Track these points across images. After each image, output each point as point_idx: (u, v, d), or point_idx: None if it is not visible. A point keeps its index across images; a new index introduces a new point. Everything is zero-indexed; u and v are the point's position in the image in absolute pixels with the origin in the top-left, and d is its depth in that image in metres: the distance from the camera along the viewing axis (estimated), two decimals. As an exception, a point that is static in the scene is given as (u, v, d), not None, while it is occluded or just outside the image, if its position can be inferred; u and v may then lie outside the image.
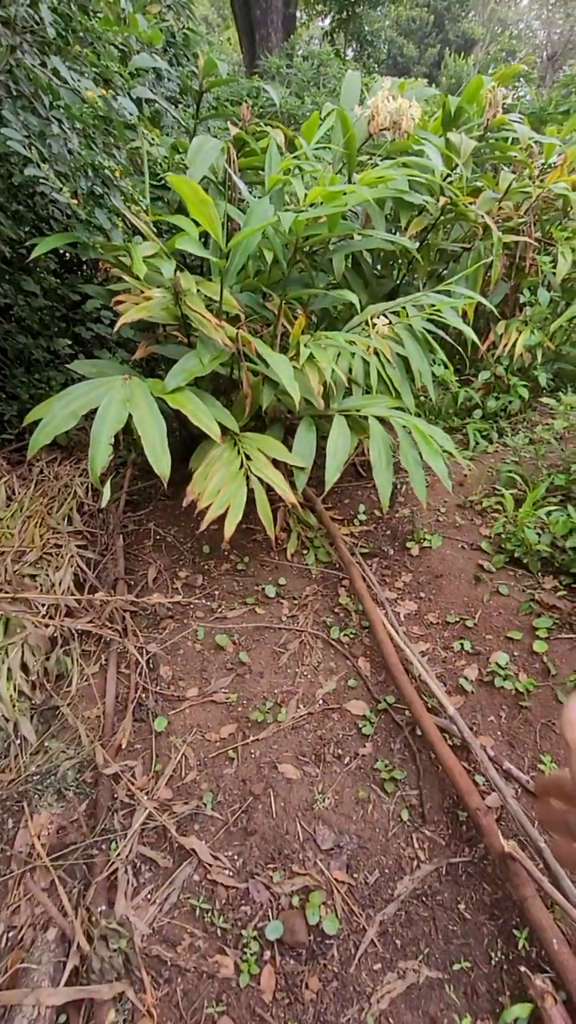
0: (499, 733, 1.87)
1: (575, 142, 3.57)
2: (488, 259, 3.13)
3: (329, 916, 1.46)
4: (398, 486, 3.01)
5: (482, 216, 3.06)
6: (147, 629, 2.32)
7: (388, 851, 1.61)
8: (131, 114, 1.97)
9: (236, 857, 1.60)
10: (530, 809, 1.63)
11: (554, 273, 3.28)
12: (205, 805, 1.72)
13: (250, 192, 2.90)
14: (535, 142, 3.33)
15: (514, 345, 3.33)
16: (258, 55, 8.09)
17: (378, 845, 1.62)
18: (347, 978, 1.36)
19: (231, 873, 1.57)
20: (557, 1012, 1.15)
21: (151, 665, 2.16)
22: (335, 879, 1.54)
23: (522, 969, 1.26)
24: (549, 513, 2.45)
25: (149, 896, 1.51)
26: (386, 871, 1.57)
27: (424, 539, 2.67)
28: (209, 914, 1.47)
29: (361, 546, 2.71)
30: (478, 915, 1.44)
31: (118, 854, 1.56)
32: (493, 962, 1.35)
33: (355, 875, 1.56)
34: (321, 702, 2.03)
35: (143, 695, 2.04)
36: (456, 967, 1.34)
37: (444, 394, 3.54)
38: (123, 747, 1.86)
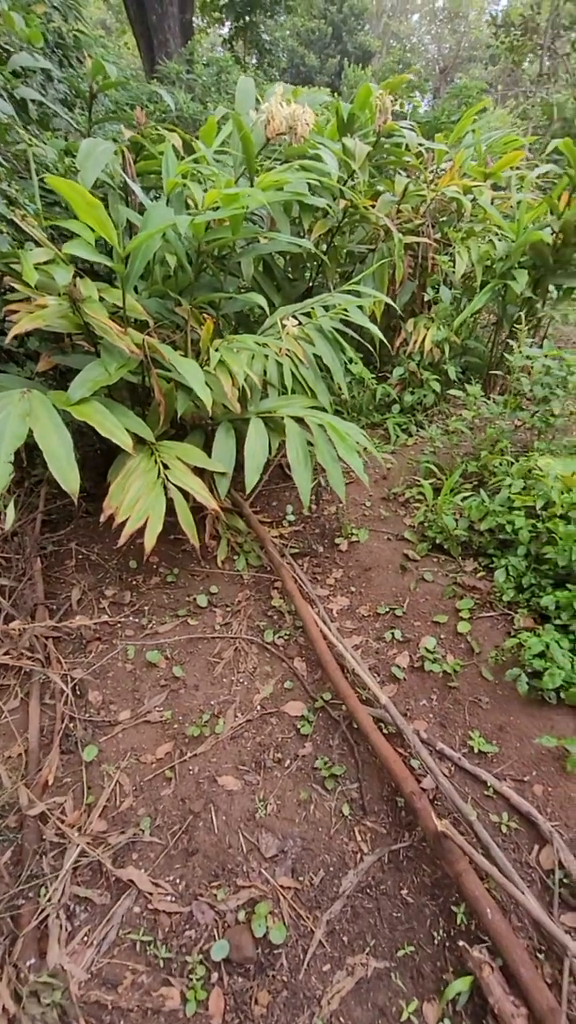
0: (431, 715, 1.93)
1: (464, 147, 3.77)
2: (391, 259, 3.24)
3: (276, 925, 1.43)
4: (323, 484, 3.04)
5: (383, 218, 3.17)
6: (72, 654, 2.20)
7: (332, 848, 1.61)
8: (4, 114, 1.87)
9: (178, 880, 1.55)
10: (463, 785, 1.69)
11: (454, 271, 3.45)
12: (143, 831, 1.64)
13: (150, 197, 2.84)
14: (425, 148, 3.50)
15: (423, 341, 3.46)
16: (157, 60, 7.98)
17: (322, 844, 1.62)
18: (297, 985, 1.34)
19: (173, 898, 1.51)
20: (494, 979, 1.19)
21: (78, 692, 2.05)
22: (280, 886, 1.52)
23: (461, 944, 1.30)
24: (465, 499, 2.56)
25: (86, 938, 1.42)
26: (331, 869, 1.56)
27: (352, 534, 2.72)
28: (151, 946, 1.41)
29: (291, 546, 2.72)
30: (420, 897, 1.47)
31: (48, 899, 1.46)
32: (436, 941, 1.38)
33: (300, 878, 1.55)
34: (259, 708, 2.01)
35: (70, 725, 1.93)
36: (401, 953, 1.36)
37: (363, 391, 3.63)
38: (50, 783, 1.75)
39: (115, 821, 1.68)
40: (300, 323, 2.59)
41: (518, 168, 4.13)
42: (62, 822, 1.65)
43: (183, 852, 1.61)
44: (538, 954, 1.30)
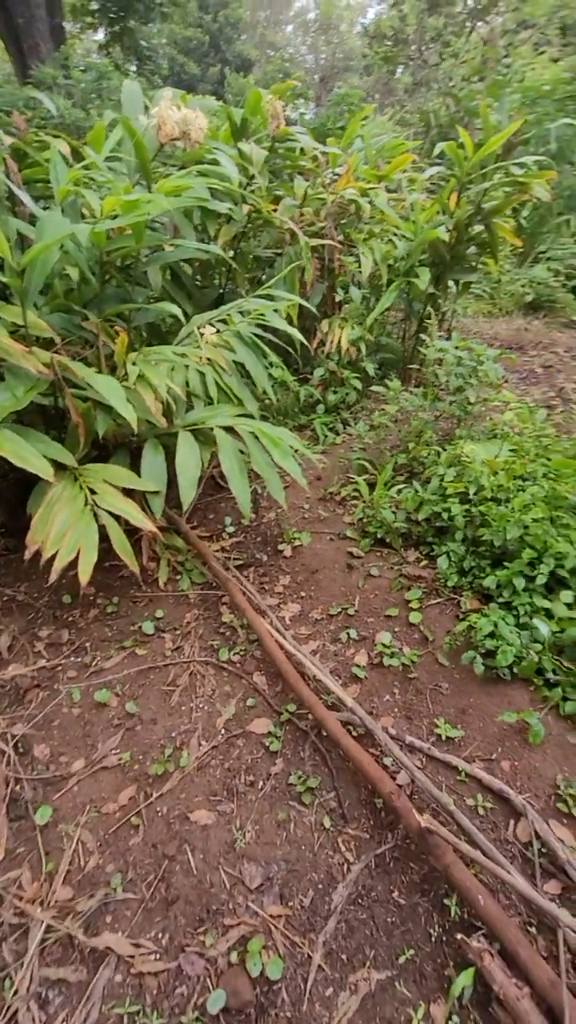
0: (396, 709, 1.94)
1: (355, 151, 3.88)
2: (300, 262, 3.26)
3: (272, 959, 1.37)
4: (259, 492, 3.00)
5: (287, 222, 3.18)
6: (9, 708, 2.00)
7: (318, 865, 1.56)
8: None
9: (160, 935, 1.43)
10: (436, 774, 1.70)
11: (360, 272, 3.53)
12: (114, 890, 1.51)
13: (40, 207, 2.65)
14: (320, 152, 3.56)
15: (339, 341, 3.52)
16: (29, 65, 7.58)
17: (307, 862, 1.57)
18: (301, 1018, 1.28)
19: (158, 955, 1.39)
20: (495, 966, 1.20)
21: (21, 749, 1.86)
22: (271, 916, 1.45)
23: (459, 936, 1.30)
24: (399, 492, 2.62)
25: (64, 1024, 1.28)
26: (319, 886, 1.52)
27: (294, 538, 2.70)
28: (140, 1016, 1.29)
29: (235, 558, 2.65)
30: (412, 896, 1.46)
31: (15, 992, 1.30)
32: (433, 939, 1.37)
33: (290, 903, 1.49)
34: (223, 731, 1.93)
35: (17, 787, 1.75)
36: (402, 959, 1.34)
37: (287, 394, 3.63)
38: (0, 858, 1.56)
39: (81, 885, 1.53)
40: (218, 330, 2.53)
41: (406, 171, 4.32)
42: (20, 899, 1.48)
43: (162, 902, 1.50)
44: (531, 928, 1.33)
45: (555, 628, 1.88)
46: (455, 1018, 1.23)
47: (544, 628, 1.86)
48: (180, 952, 1.40)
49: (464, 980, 1.23)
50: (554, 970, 1.17)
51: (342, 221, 3.84)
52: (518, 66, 8.78)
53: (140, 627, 2.28)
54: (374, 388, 3.29)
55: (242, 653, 2.20)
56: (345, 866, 1.55)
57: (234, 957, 1.38)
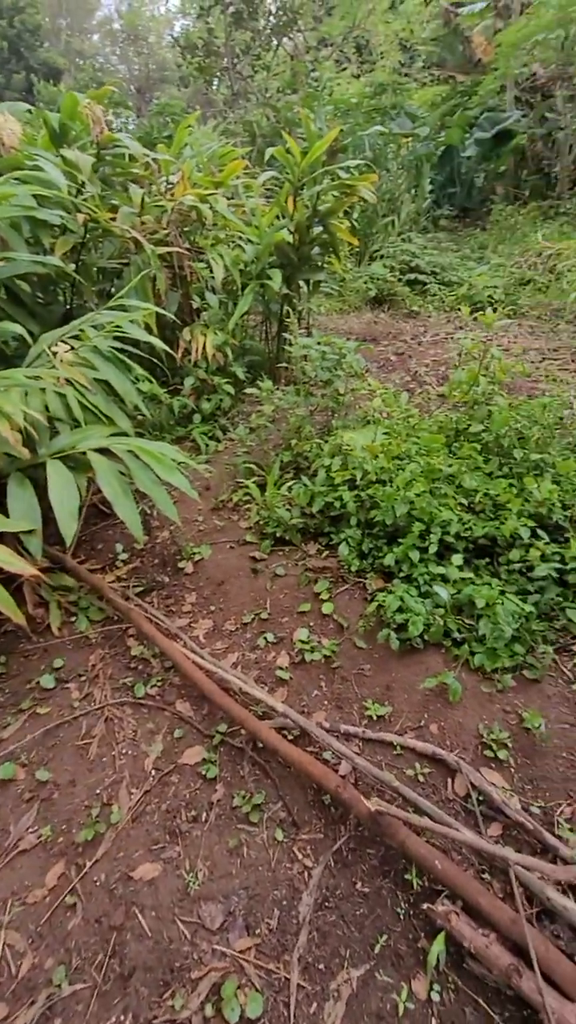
0: (326, 702, 1.95)
1: (187, 158, 3.85)
2: (149, 271, 3.15)
3: (250, 997, 1.29)
4: (148, 511, 2.85)
5: (128, 231, 3.05)
6: None
7: (278, 881, 1.51)
8: None
9: (122, 1017, 1.28)
10: (374, 755, 1.74)
11: (213, 277, 3.51)
12: (59, 987, 1.32)
13: None
14: (152, 159, 3.47)
15: (204, 348, 3.47)
16: None
17: (267, 882, 1.51)
18: (291, 1046, 1.22)
19: (123, 1041, 1.24)
20: (462, 922, 1.24)
21: None
22: (239, 952, 1.37)
23: (425, 906, 1.33)
24: (290, 488, 2.64)
25: None
26: (284, 903, 1.47)
27: (194, 553, 2.60)
28: None
29: (134, 586, 2.48)
30: (374, 882, 1.47)
31: None
32: (402, 916, 1.39)
33: (257, 931, 1.42)
34: (153, 772, 1.79)
35: None
36: (377, 948, 1.34)
37: (159, 408, 3.49)
38: None
39: (18, 995, 1.32)
40: (72, 348, 2.35)
41: (240, 177, 4.39)
42: None
43: (118, 980, 1.34)
44: (485, 875, 1.41)
45: (452, 591, 2.02)
46: (436, 987, 1.26)
47: (444, 593, 1.99)
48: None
49: (437, 947, 1.26)
50: (512, 908, 1.25)
51: (186, 228, 3.79)
52: (325, 80, 9.40)
53: (38, 683, 2.04)
54: (247, 391, 3.29)
55: (160, 684, 2.07)
56: (305, 873, 1.51)
57: (209, 1010, 1.28)
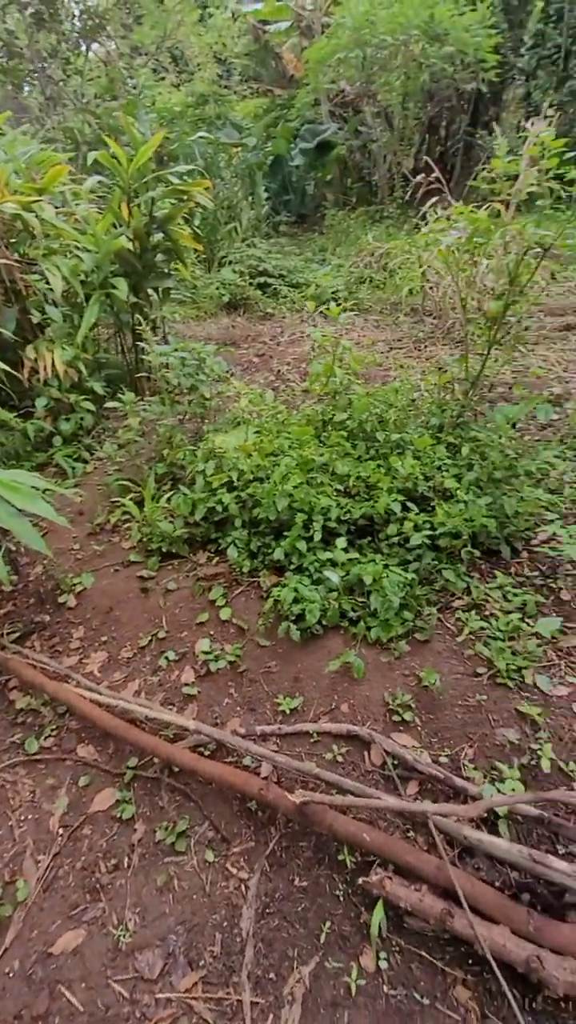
0: (239, 708, 1.91)
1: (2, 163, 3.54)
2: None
3: (202, 1035, 1.22)
4: (13, 548, 2.57)
5: None
6: None
7: (216, 904, 1.45)
8: None
9: None
10: (293, 747, 1.74)
11: (52, 290, 3.28)
12: None
13: None
14: (-42, 163, 3.14)
15: (53, 365, 3.22)
16: None
17: (204, 908, 1.44)
18: (253, 1069, 1.18)
19: None
20: (395, 884, 1.29)
21: None
22: (185, 992, 1.29)
23: (360, 880, 1.36)
24: (169, 500, 2.56)
25: None
26: (225, 923, 1.41)
27: (74, 585, 2.40)
28: None
29: (9, 632, 2.23)
30: (311, 872, 1.47)
31: None
32: (342, 898, 1.41)
33: (201, 962, 1.35)
34: (61, 832, 1.62)
35: None
36: (323, 937, 1.34)
37: (11, 435, 3.18)
38: None
39: None
40: None
41: (66, 184, 4.15)
42: None
43: (52, 1074, 1.19)
44: (410, 833, 1.48)
45: (342, 573, 2.10)
46: (382, 955, 1.29)
47: (334, 577, 2.05)
48: None
49: (377, 915, 1.29)
50: (437, 856, 1.33)
51: (12, 240, 3.48)
52: (143, 87, 9.28)
53: None
54: (109, 406, 3.12)
55: (55, 733, 1.88)
56: (242, 887, 1.47)
57: (161, 1066, 1.19)
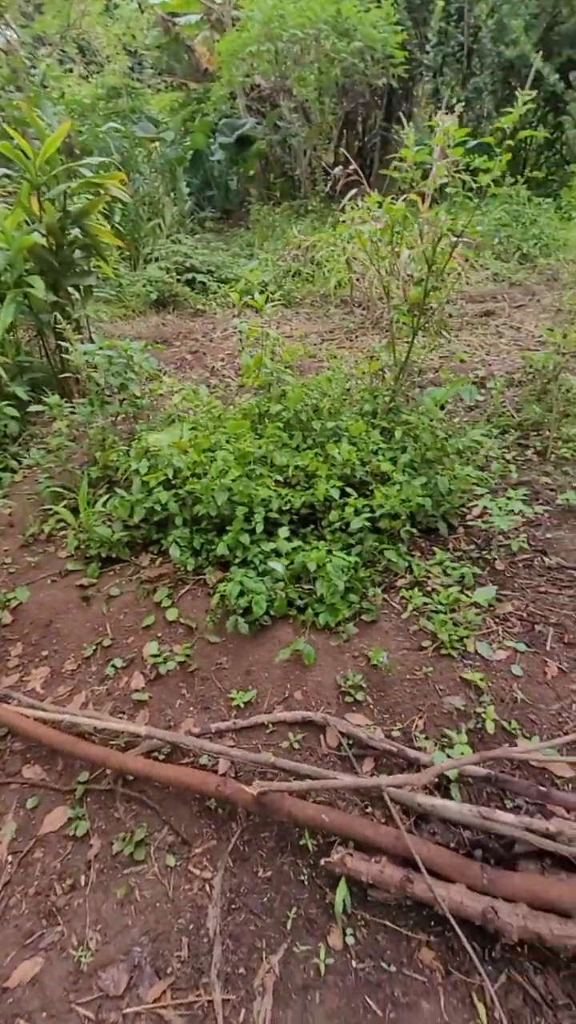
0: (192, 708, 1.87)
1: None
2: None
3: (173, 1042, 1.19)
4: None
5: None
6: None
7: (180, 908, 1.42)
8: None
9: None
10: (250, 740, 1.73)
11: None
12: None
13: None
14: None
15: (-31, 370, 3.03)
16: None
17: (168, 914, 1.41)
18: (228, 1066, 1.16)
19: None
20: (356, 859, 1.31)
21: None
22: (154, 1003, 1.26)
23: (322, 862, 1.37)
24: (106, 504, 2.47)
25: None
26: (191, 926, 1.38)
27: (8, 600, 2.28)
28: None
29: None
30: (275, 862, 1.47)
31: None
32: (305, 881, 1.41)
33: (168, 969, 1.31)
34: (10, 858, 1.54)
35: None
36: (289, 924, 1.35)
37: None
38: None
39: None
40: None
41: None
42: None
43: None
44: (369, 809, 1.50)
45: (286, 563, 2.10)
46: (348, 931, 1.31)
47: (279, 566, 2.05)
48: None
49: (341, 893, 1.31)
50: (394, 827, 1.36)
51: None
52: (49, 77, 8.88)
53: None
54: (34, 410, 2.97)
55: (-4, 757, 1.77)
56: (206, 886, 1.45)
57: None
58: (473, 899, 1.20)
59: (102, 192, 3.49)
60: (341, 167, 4.08)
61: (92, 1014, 1.26)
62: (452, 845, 1.33)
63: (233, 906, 1.40)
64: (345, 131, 10.79)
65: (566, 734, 1.57)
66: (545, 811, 1.39)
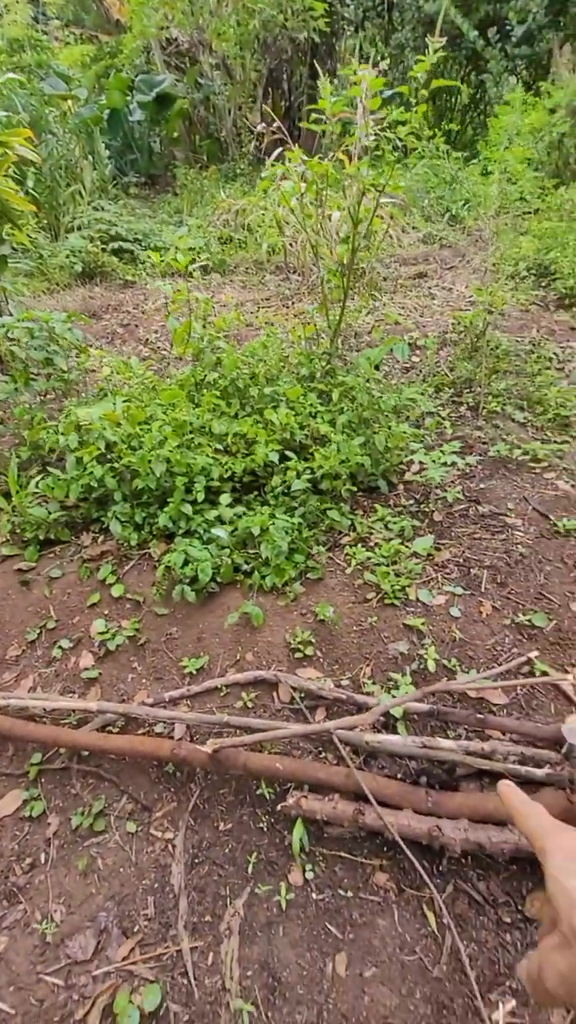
0: (145, 680, 1.87)
1: None
2: None
3: (145, 993, 1.22)
4: None
5: None
6: None
7: (144, 869, 1.44)
8: None
9: None
10: (204, 705, 1.75)
11: None
12: None
13: None
14: None
15: None
16: None
17: (132, 878, 1.42)
18: (201, 1008, 1.21)
19: None
20: (310, 800, 1.37)
21: None
22: (122, 961, 1.28)
23: (279, 808, 1.42)
24: (39, 484, 2.37)
25: None
26: (156, 885, 1.41)
27: None
28: None
29: None
30: (234, 815, 1.51)
31: None
32: (265, 828, 1.46)
33: (135, 928, 1.34)
34: (-36, 847, 1.50)
35: None
36: (251, 868, 1.39)
37: None
38: None
39: None
40: None
41: None
42: None
43: None
44: (322, 754, 1.56)
45: (230, 529, 2.10)
46: (308, 867, 1.37)
47: (222, 533, 2.05)
48: None
49: (298, 833, 1.36)
50: (345, 766, 1.42)
51: None
52: None
53: None
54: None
55: None
56: (169, 846, 1.47)
57: (104, 1033, 1.18)
58: (420, 821, 1.28)
59: (8, 152, 3.24)
60: (264, 123, 3.96)
61: (61, 981, 1.27)
62: (399, 776, 1.41)
63: (196, 860, 1.44)
64: (271, 90, 10.42)
65: (500, 665, 1.68)
66: (483, 736, 1.49)
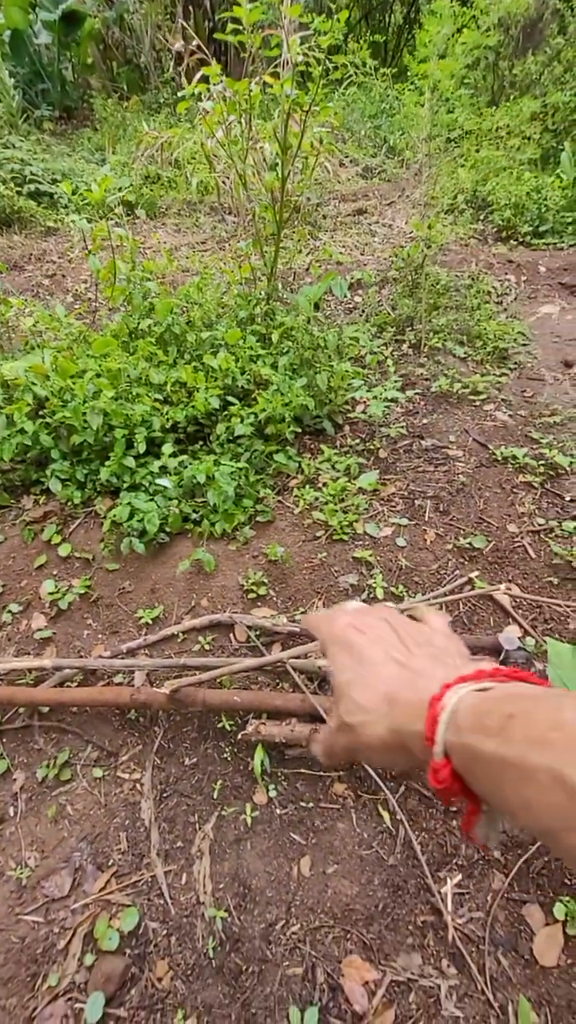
0: (100, 635, 1.86)
1: None
2: None
3: (123, 917, 1.28)
4: None
5: None
6: None
7: (115, 811, 1.48)
8: None
9: (-4, 1039, 1.15)
10: (163, 651, 1.77)
11: None
12: None
13: None
14: None
15: None
16: None
17: (103, 818, 1.47)
18: (178, 923, 1.28)
19: None
20: (270, 726, 1.43)
21: None
22: (99, 892, 1.34)
23: (239, 737, 1.48)
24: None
25: None
26: (127, 821, 1.46)
27: None
28: None
29: None
30: (199, 749, 1.56)
31: None
32: (229, 757, 1.52)
33: (110, 862, 1.39)
34: None
35: None
36: (216, 793, 1.46)
37: None
38: None
39: None
40: None
41: None
42: None
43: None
44: (280, 684, 1.62)
45: (176, 479, 2.06)
46: (271, 786, 1.45)
47: (168, 483, 2.02)
48: (30, 1023, 1.16)
49: (259, 756, 1.43)
50: (300, 692, 1.48)
51: None
52: None
53: None
54: None
55: None
56: (137, 785, 1.52)
57: (88, 958, 1.24)
58: (372, 733, 1.36)
59: None
60: (183, 43, 3.64)
61: (41, 918, 1.31)
62: (352, 696, 1.48)
63: (164, 795, 1.49)
64: (191, 8, 9.51)
65: (444, 587, 1.76)
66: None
